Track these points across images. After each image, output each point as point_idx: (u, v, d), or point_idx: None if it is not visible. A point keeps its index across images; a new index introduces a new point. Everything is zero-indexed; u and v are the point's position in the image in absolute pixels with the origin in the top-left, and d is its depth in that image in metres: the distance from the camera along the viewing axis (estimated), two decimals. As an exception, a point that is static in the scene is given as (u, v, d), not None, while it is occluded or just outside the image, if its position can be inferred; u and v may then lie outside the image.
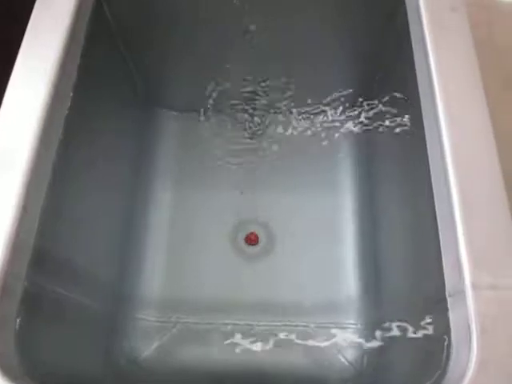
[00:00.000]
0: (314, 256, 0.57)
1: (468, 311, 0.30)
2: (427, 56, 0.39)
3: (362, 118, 0.62)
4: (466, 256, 0.31)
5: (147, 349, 0.53)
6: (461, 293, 0.31)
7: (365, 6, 0.45)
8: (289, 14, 0.48)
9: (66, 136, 0.38)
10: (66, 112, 0.39)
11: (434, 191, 0.37)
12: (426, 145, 0.39)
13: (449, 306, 0.33)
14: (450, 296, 0.33)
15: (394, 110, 0.50)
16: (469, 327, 0.30)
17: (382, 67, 0.54)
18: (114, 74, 0.54)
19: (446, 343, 0.32)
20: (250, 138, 0.63)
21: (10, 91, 0.37)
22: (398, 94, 0.48)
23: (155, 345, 0.53)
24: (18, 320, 0.33)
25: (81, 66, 0.41)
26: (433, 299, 0.36)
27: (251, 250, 0.58)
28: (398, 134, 0.50)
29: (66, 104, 0.39)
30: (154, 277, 0.56)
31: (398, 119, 0.49)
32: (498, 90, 0.99)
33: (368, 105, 0.59)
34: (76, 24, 0.41)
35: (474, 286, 0.30)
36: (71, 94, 0.40)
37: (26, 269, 0.33)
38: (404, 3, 0.43)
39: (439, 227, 0.34)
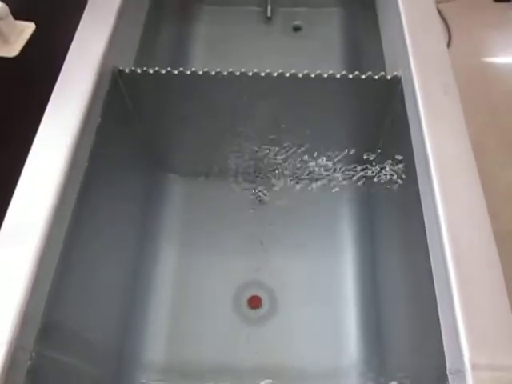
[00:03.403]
0: (317, 320, 0.57)
1: (468, 391, 0.30)
2: (422, 133, 0.41)
3: (362, 183, 0.64)
4: (464, 336, 0.32)
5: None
6: (460, 372, 0.31)
7: (367, 88, 0.48)
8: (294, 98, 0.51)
9: (79, 206, 0.40)
10: (80, 184, 0.41)
11: (433, 265, 0.38)
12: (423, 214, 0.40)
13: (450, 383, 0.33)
14: (450, 374, 0.33)
15: (394, 177, 0.52)
16: (469, 407, 0.30)
17: (383, 139, 0.56)
18: (126, 145, 0.56)
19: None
20: (253, 203, 0.65)
21: (29, 164, 0.39)
22: (397, 166, 0.50)
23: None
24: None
25: (96, 140, 0.44)
26: (435, 374, 0.36)
27: (254, 313, 0.58)
28: (397, 199, 0.52)
29: (80, 175, 0.42)
30: (157, 341, 0.56)
31: (399, 185, 0.51)
32: (497, 147, 1.02)
33: (369, 171, 0.62)
34: (93, 101, 0.43)
35: (473, 367, 0.31)
36: (86, 165, 0.43)
37: (34, 341, 0.34)
38: (401, 86, 0.46)
39: (438, 307, 0.35)
